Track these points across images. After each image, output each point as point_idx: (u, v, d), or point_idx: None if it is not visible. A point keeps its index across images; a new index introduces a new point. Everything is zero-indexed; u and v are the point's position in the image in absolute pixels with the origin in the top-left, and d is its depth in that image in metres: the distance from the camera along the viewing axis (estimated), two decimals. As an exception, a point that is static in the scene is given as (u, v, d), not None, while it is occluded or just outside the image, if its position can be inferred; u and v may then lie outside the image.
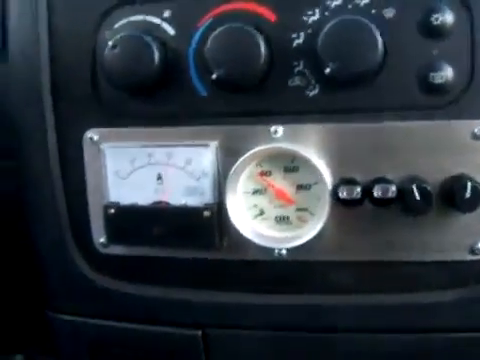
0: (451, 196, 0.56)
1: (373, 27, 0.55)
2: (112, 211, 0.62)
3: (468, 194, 0.55)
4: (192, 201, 0.61)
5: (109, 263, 0.66)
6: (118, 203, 0.63)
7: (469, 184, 0.55)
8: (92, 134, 0.63)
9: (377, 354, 0.64)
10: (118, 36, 0.59)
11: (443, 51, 0.56)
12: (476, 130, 0.56)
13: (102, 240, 0.65)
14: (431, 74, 0.56)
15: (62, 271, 0.68)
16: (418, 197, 0.55)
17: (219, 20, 0.59)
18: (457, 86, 0.56)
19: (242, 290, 0.64)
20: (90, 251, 0.66)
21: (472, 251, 0.59)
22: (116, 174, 0.63)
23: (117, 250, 0.65)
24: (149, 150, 0.61)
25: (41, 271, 0.70)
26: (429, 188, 0.55)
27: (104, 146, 0.62)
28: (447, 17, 0.55)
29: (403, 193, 0.56)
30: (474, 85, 0.56)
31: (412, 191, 0.55)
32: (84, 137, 0.63)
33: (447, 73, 0.56)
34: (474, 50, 0.56)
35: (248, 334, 0.65)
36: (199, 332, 0.66)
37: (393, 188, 0.56)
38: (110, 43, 0.59)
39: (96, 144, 0.63)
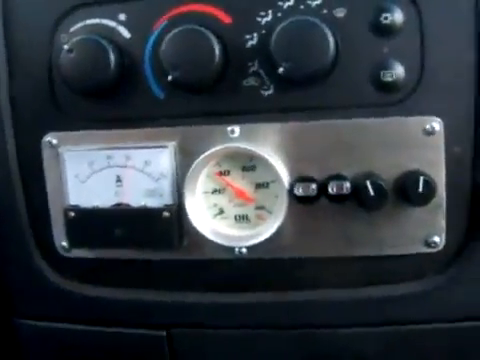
0: (405, 191, 0.57)
1: (324, 27, 0.56)
2: (72, 214, 0.62)
3: (421, 189, 0.56)
4: (152, 202, 0.61)
5: (72, 266, 0.66)
6: (78, 206, 0.63)
7: (422, 179, 0.56)
8: (50, 138, 0.63)
9: (340, 349, 0.65)
10: (74, 40, 0.59)
11: (393, 49, 0.57)
12: (427, 126, 0.58)
13: (64, 244, 0.65)
14: (382, 72, 0.57)
15: (26, 276, 0.68)
16: (372, 193, 0.56)
17: (174, 22, 0.59)
18: (408, 83, 0.57)
19: (205, 290, 0.64)
20: (52, 255, 0.66)
21: (427, 244, 0.60)
22: (75, 177, 0.63)
23: (79, 253, 0.65)
24: (108, 153, 0.61)
25: (5, 277, 0.70)
26: (383, 184, 0.56)
27: (62, 150, 0.63)
28: (397, 16, 0.56)
29: (358, 189, 0.57)
30: (424, 82, 0.57)
31: (366, 187, 0.56)
32: (43, 141, 0.63)
33: (398, 71, 0.57)
34: (424, 48, 0.57)
35: (212, 333, 0.66)
36: (164, 333, 0.66)
37: (347, 184, 0.57)
38: (66, 47, 0.59)
39: (55, 148, 0.63)
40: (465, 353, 0.64)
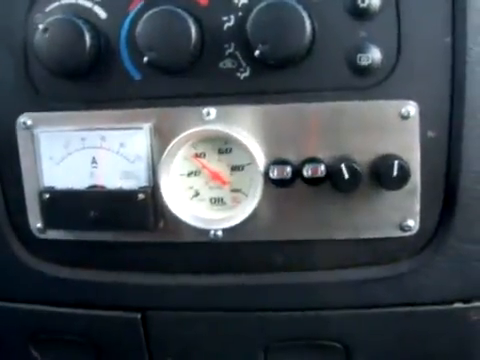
0: (379, 175, 0.57)
1: (301, 9, 0.55)
2: (47, 196, 0.62)
3: (395, 173, 0.56)
4: (127, 184, 0.61)
5: (47, 248, 0.66)
6: (53, 188, 0.63)
7: (396, 163, 0.56)
8: (25, 119, 0.63)
9: (315, 331, 0.66)
10: (49, 19, 0.59)
11: (370, 33, 0.57)
12: (403, 110, 0.58)
13: (39, 225, 0.65)
14: (359, 55, 0.57)
15: (0, 257, 0.68)
16: (347, 176, 0.57)
17: (150, 3, 0.59)
18: (384, 67, 0.58)
19: (180, 272, 0.64)
20: (27, 237, 0.66)
21: (402, 228, 0.61)
22: (50, 159, 0.62)
23: (54, 235, 0.65)
24: (83, 134, 0.61)
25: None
26: (357, 167, 0.57)
27: (37, 131, 0.62)
28: (374, -1, 0.56)
29: (333, 172, 0.57)
30: (400, 66, 0.58)
31: (341, 170, 0.56)
32: (17, 122, 0.63)
33: (374, 54, 0.57)
34: (400, 32, 0.57)
35: (187, 316, 0.66)
36: (138, 315, 0.66)
37: (322, 167, 0.57)
38: (41, 27, 0.59)
39: (29, 129, 0.62)
40: (439, 336, 0.64)
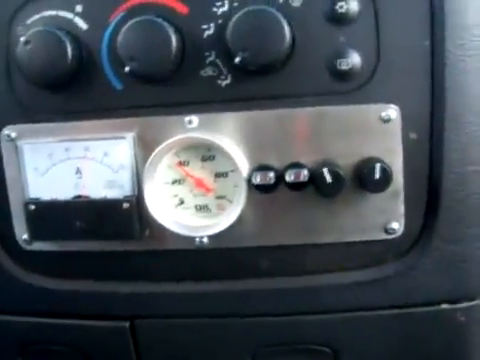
0: (362, 178, 0.58)
1: (280, 16, 0.56)
2: (33, 207, 0.62)
3: (377, 176, 0.57)
4: (112, 194, 0.62)
5: (33, 259, 0.66)
6: (39, 199, 0.63)
7: (378, 166, 0.57)
8: (9, 131, 0.63)
9: (302, 336, 0.66)
10: (31, 32, 0.59)
11: (349, 38, 0.58)
12: (384, 114, 0.58)
13: (25, 237, 0.65)
14: (338, 60, 0.58)
15: (-14, 270, 0.68)
16: (330, 180, 0.57)
17: (131, 13, 0.59)
18: (364, 71, 0.58)
19: (167, 279, 0.65)
20: (14, 248, 0.66)
21: (386, 231, 0.61)
22: (35, 170, 0.62)
23: (40, 246, 0.65)
24: (66, 145, 0.61)
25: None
26: (340, 171, 0.57)
27: (21, 143, 0.62)
28: (352, 4, 0.57)
29: (315, 177, 0.57)
30: (380, 70, 0.58)
31: (323, 174, 0.57)
32: (1, 134, 0.63)
33: (354, 59, 0.58)
34: (379, 36, 0.58)
35: (176, 323, 0.66)
36: (127, 324, 0.66)
37: (305, 172, 0.57)
38: (23, 39, 0.59)
39: (13, 141, 0.63)
40: (427, 337, 0.64)
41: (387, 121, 0.58)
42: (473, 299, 0.63)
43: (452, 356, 0.65)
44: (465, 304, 0.63)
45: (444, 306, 0.63)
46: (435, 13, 0.57)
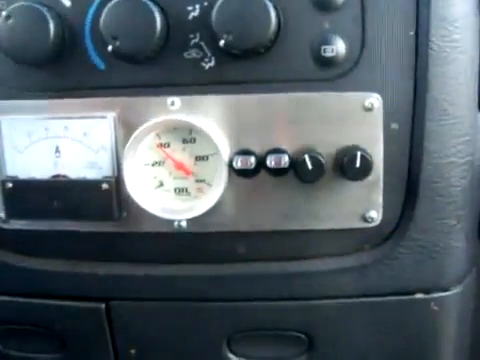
0: (342, 166, 0.58)
1: (266, 0, 0.55)
2: (10, 186, 0.62)
3: (358, 164, 0.57)
4: (91, 174, 0.61)
5: (9, 238, 0.65)
6: (16, 177, 0.62)
7: (359, 154, 0.57)
8: (-13, 107, 0.62)
9: (278, 322, 0.66)
10: (12, 6, 0.58)
11: (335, 25, 0.58)
12: (367, 102, 0.58)
13: (1, 215, 0.64)
14: (323, 47, 0.57)
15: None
16: (310, 166, 0.57)
17: (115, -8, 0.58)
18: (348, 59, 0.58)
19: (143, 262, 0.64)
20: (-11, 226, 0.65)
21: (364, 219, 0.61)
22: (13, 148, 0.62)
23: (17, 225, 0.64)
24: (46, 123, 0.61)
25: None
26: (321, 158, 0.57)
27: (0, 119, 0.61)
28: (338, -10, 0.56)
29: (296, 163, 0.57)
30: (364, 58, 0.58)
31: (304, 161, 0.57)
32: (-20, 110, 0.62)
33: (338, 46, 0.58)
34: (364, 24, 0.58)
35: (151, 305, 0.66)
36: (102, 305, 0.66)
37: (286, 158, 0.57)
38: (4, 13, 0.58)
39: (-8, 117, 0.61)
40: (401, 326, 0.65)
41: (369, 110, 0.58)
42: (447, 290, 0.64)
43: (424, 345, 0.66)
44: (439, 294, 0.64)
45: (418, 296, 0.63)
46: (421, 4, 0.57)
